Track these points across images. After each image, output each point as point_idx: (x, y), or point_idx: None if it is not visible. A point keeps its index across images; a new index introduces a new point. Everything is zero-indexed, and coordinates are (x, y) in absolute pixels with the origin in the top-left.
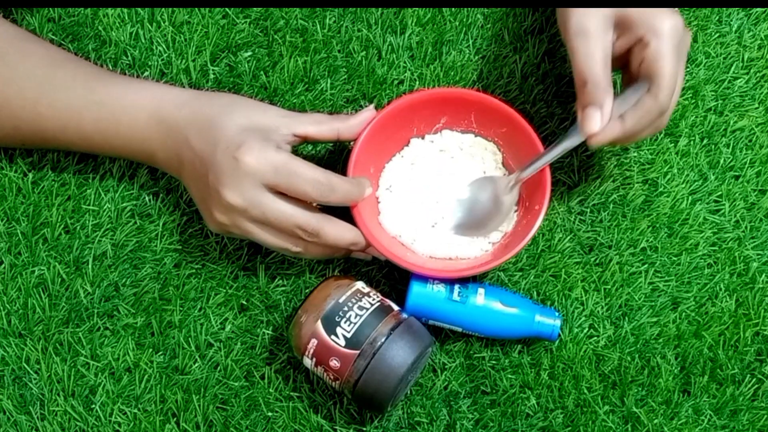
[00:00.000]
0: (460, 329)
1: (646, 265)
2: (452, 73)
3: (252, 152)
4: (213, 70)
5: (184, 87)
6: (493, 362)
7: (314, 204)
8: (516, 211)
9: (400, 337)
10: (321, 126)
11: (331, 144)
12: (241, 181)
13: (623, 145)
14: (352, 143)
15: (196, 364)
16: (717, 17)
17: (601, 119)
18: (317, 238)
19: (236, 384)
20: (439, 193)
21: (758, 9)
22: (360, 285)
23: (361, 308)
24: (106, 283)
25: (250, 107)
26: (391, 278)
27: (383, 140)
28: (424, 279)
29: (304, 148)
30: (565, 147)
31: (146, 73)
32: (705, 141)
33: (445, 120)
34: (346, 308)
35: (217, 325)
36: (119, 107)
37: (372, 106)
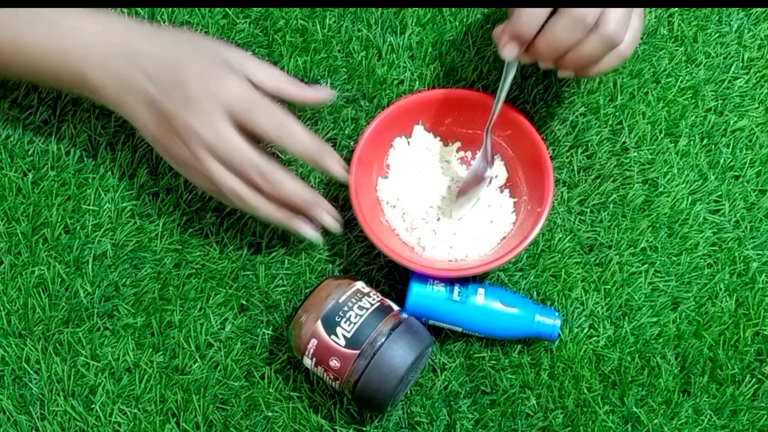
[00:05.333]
0: (460, 329)
1: (646, 265)
2: (452, 73)
3: (226, 83)
4: None
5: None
6: (493, 362)
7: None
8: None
9: (400, 337)
10: (272, 82)
11: (331, 143)
12: (211, 115)
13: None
14: (354, 143)
15: (196, 364)
16: (717, 17)
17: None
18: (274, 188)
19: (236, 384)
20: (441, 192)
21: (758, 9)
22: (360, 285)
23: (361, 308)
24: (106, 283)
25: (214, 43)
26: (391, 278)
27: (386, 140)
28: (424, 279)
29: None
30: (507, 81)
31: None
32: (705, 141)
33: (450, 121)
34: (346, 308)
35: (217, 325)
36: (69, 27)
37: (327, 87)
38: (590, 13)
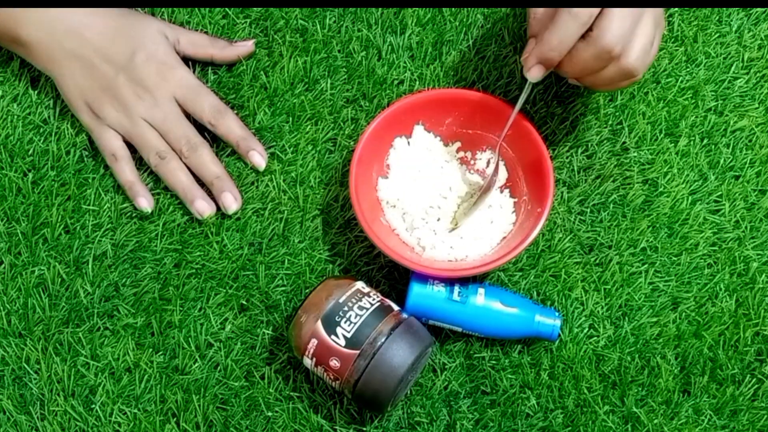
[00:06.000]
0: (460, 329)
1: (646, 265)
2: (452, 73)
3: (175, 73)
4: (213, 70)
5: None
6: (493, 362)
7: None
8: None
9: (400, 337)
10: (197, 50)
11: (331, 143)
12: (161, 98)
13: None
14: (354, 143)
15: (196, 364)
16: (717, 17)
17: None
18: (194, 154)
19: (236, 384)
20: (441, 192)
21: (758, 9)
22: (360, 285)
23: (361, 308)
24: (106, 283)
25: (153, 21)
26: (391, 278)
27: (386, 140)
28: (424, 279)
29: (315, 137)
30: (524, 99)
31: None
32: (705, 141)
33: (450, 121)
34: (346, 308)
35: (217, 325)
36: None
37: (252, 41)
38: (618, 45)
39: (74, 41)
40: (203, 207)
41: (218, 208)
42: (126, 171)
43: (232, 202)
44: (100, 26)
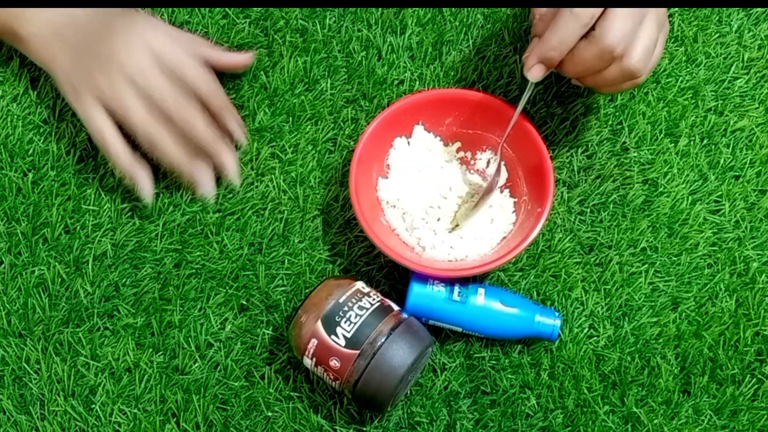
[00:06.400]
0: (460, 329)
1: (646, 265)
2: (452, 73)
3: (159, 39)
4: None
5: None
6: (493, 362)
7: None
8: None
9: (400, 337)
10: (195, 52)
11: (331, 143)
12: (137, 52)
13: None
14: (354, 143)
15: (196, 364)
16: (717, 17)
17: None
18: (188, 123)
19: (236, 384)
20: (441, 192)
21: (758, 9)
22: (360, 285)
23: (361, 308)
24: (106, 283)
25: (151, 21)
26: (391, 278)
27: (386, 140)
28: (425, 279)
29: (315, 137)
30: (525, 100)
31: None
32: (705, 141)
33: (450, 121)
34: (346, 308)
35: (217, 325)
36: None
37: (251, 54)
38: (620, 45)
39: (69, 31)
40: (206, 185)
41: (216, 184)
42: (120, 153)
43: (232, 168)
44: (98, 21)
